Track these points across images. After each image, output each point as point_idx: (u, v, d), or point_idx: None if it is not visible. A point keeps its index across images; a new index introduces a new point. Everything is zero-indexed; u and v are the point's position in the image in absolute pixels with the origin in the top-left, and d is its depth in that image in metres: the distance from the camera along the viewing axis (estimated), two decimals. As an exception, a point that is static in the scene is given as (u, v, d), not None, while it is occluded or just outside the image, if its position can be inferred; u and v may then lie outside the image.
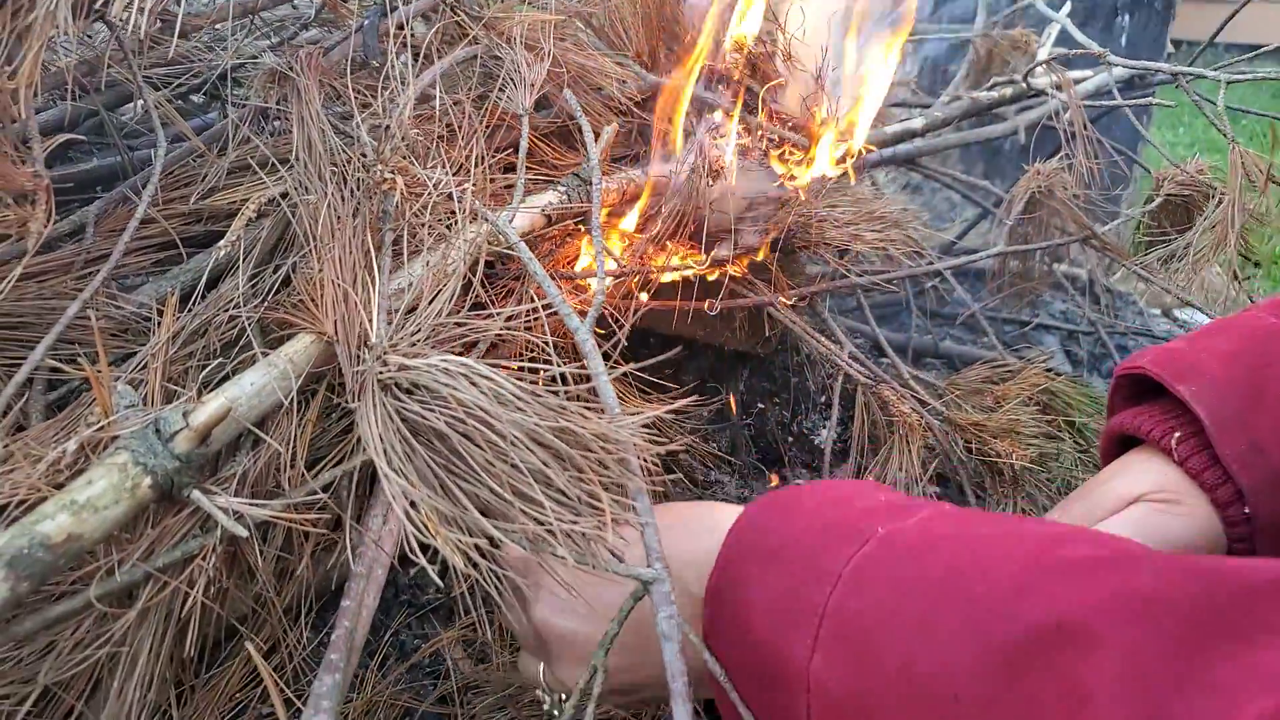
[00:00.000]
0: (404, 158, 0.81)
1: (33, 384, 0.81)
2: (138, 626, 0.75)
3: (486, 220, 0.86)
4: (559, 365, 0.71)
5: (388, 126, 0.83)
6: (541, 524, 0.67)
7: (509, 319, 0.75)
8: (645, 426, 0.73)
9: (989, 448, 1.15)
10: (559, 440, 0.68)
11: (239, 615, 0.88)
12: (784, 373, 1.61)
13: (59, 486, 0.71)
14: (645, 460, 0.73)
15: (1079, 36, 1.85)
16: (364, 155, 0.84)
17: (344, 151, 0.90)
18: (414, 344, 0.72)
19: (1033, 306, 2.32)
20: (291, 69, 0.95)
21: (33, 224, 0.72)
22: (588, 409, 0.72)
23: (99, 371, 0.70)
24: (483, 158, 0.96)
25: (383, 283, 0.78)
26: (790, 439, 1.54)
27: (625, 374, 1.22)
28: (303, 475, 0.79)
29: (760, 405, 1.57)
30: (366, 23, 1.02)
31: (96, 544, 0.66)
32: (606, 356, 1.08)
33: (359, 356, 0.75)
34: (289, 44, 1.16)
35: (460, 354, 0.74)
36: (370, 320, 0.73)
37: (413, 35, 1.19)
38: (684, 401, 0.81)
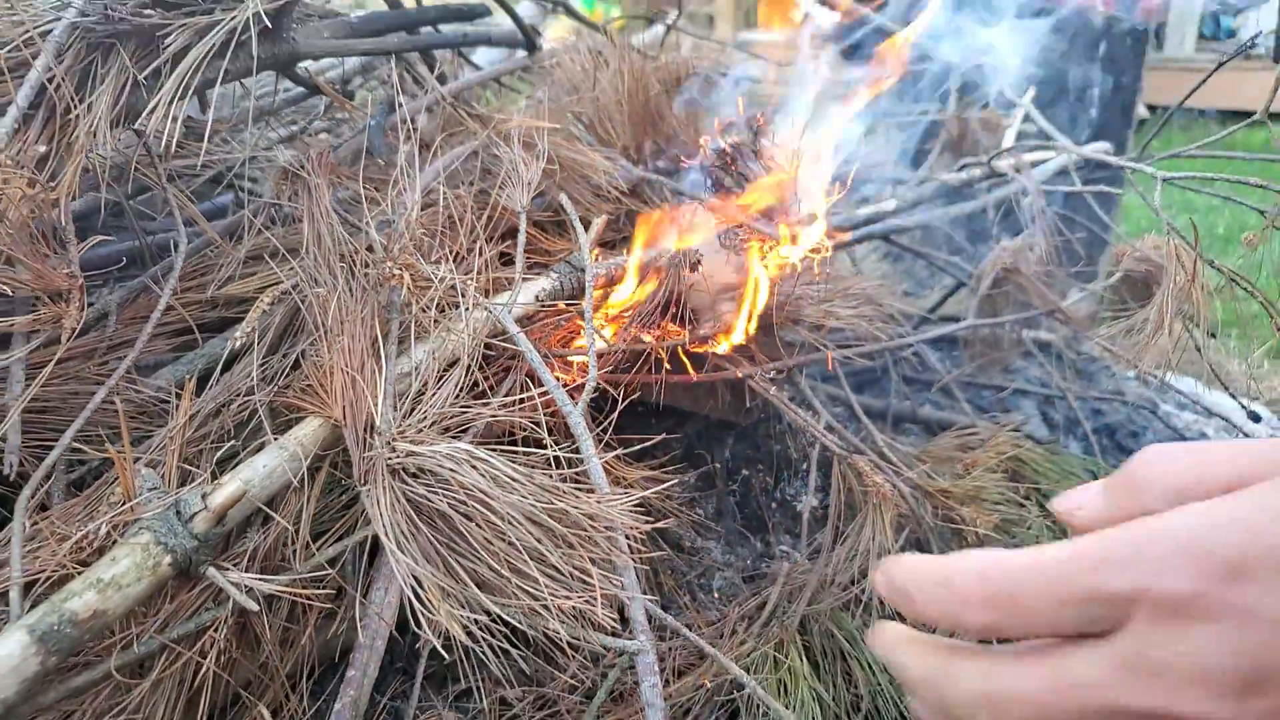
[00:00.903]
0: (411, 255, 0.88)
1: (55, 464, 0.86)
2: (151, 694, 0.79)
3: (489, 311, 0.93)
4: (554, 449, 0.77)
5: (395, 225, 0.90)
6: (536, 599, 0.72)
7: (505, 405, 0.81)
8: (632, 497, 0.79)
9: (955, 514, 1.20)
10: (552, 520, 0.74)
11: (243, 682, 0.92)
12: (767, 440, 1.67)
13: (82, 563, 0.76)
14: (633, 536, 0.78)
15: (1041, 122, 1.96)
16: (371, 250, 0.90)
17: (351, 243, 0.97)
18: (420, 430, 0.78)
19: (1009, 372, 2.40)
20: (303, 167, 1.02)
21: (67, 320, 0.78)
22: (579, 487, 0.78)
23: (123, 455, 0.75)
24: (483, 248, 1.03)
25: (389, 371, 0.84)
26: (774, 505, 1.59)
27: (615, 441, 1.28)
28: (309, 548, 0.84)
29: (745, 472, 1.63)
30: (374, 122, 1.09)
31: (119, 619, 0.71)
32: (600, 436, 1.14)
33: (366, 440, 0.80)
34: (301, 137, 1.24)
35: (461, 436, 0.80)
36: (377, 407, 0.78)
37: (414, 127, 1.27)
38: (671, 482, 0.87)
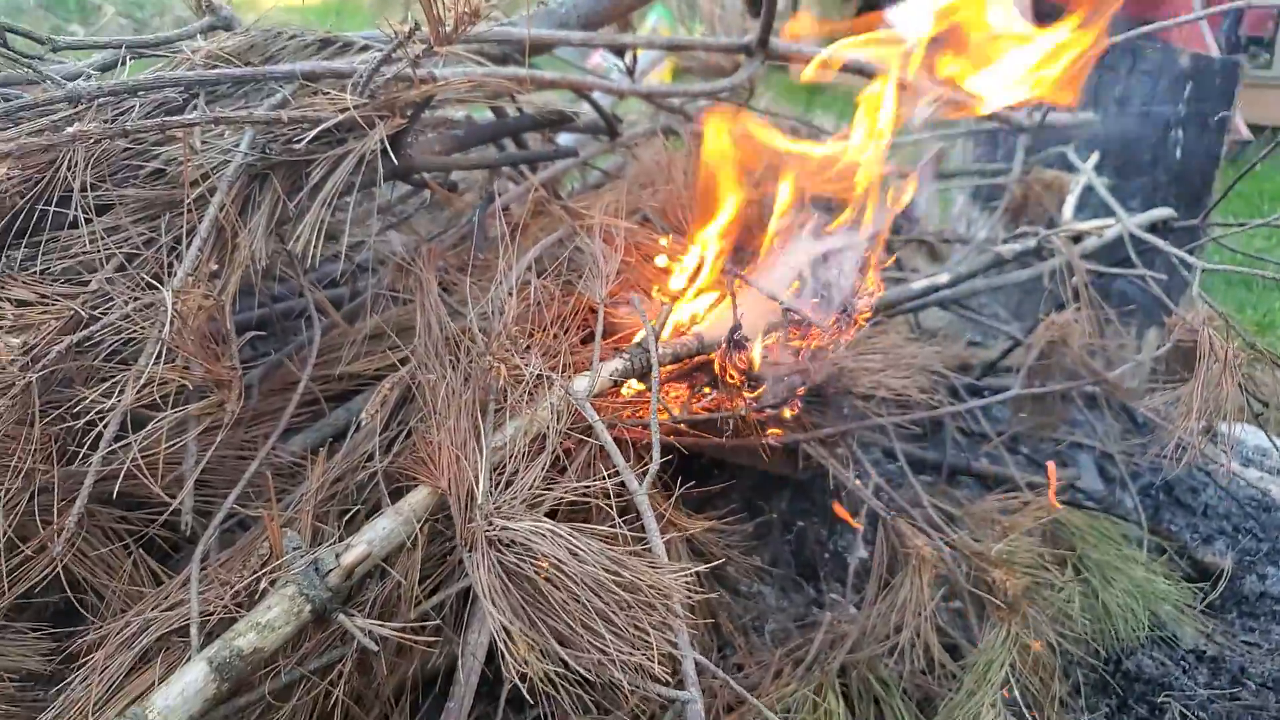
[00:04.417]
0: (506, 350, 1.04)
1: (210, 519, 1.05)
2: (292, 716, 0.97)
3: (573, 400, 1.09)
4: (621, 527, 0.92)
5: (491, 322, 1.07)
6: (604, 653, 0.88)
7: (583, 482, 0.96)
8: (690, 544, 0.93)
9: (988, 576, 1.31)
10: (619, 588, 0.89)
11: (355, 698, 1.09)
12: (822, 494, 1.79)
13: (239, 605, 0.94)
14: (687, 600, 0.93)
15: (1101, 191, 2.04)
16: (474, 344, 1.07)
17: (456, 332, 1.14)
18: (512, 506, 0.94)
19: (1071, 423, 2.46)
20: (414, 261, 1.20)
21: (229, 404, 0.97)
22: (642, 557, 0.93)
23: (272, 519, 0.93)
24: (568, 332, 1.20)
25: (488, 451, 1.01)
26: (826, 555, 1.71)
27: (676, 494, 1.43)
28: (417, 598, 1.01)
29: (800, 523, 1.75)
30: (476, 217, 1.26)
31: (272, 654, 0.88)
32: (667, 486, 1.29)
33: (467, 510, 0.97)
34: (409, 223, 1.41)
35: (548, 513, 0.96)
36: (478, 483, 0.95)
37: (509, 216, 1.44)
38: (730, 531, 1.01)
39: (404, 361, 1.18)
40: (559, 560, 0.88)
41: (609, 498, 1.01)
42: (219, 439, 0.97)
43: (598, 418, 1.07)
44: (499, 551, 0.90)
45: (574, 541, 0.89)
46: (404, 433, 1.15)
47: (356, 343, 1.21)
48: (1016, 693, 1.28)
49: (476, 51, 1.23)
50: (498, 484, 1.01)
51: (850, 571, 1.58)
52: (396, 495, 1.07)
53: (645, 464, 1.04)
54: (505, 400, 1.05)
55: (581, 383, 1.17)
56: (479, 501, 0.94)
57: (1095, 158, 2.18)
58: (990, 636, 1.30)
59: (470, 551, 0.92)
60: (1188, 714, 1.59)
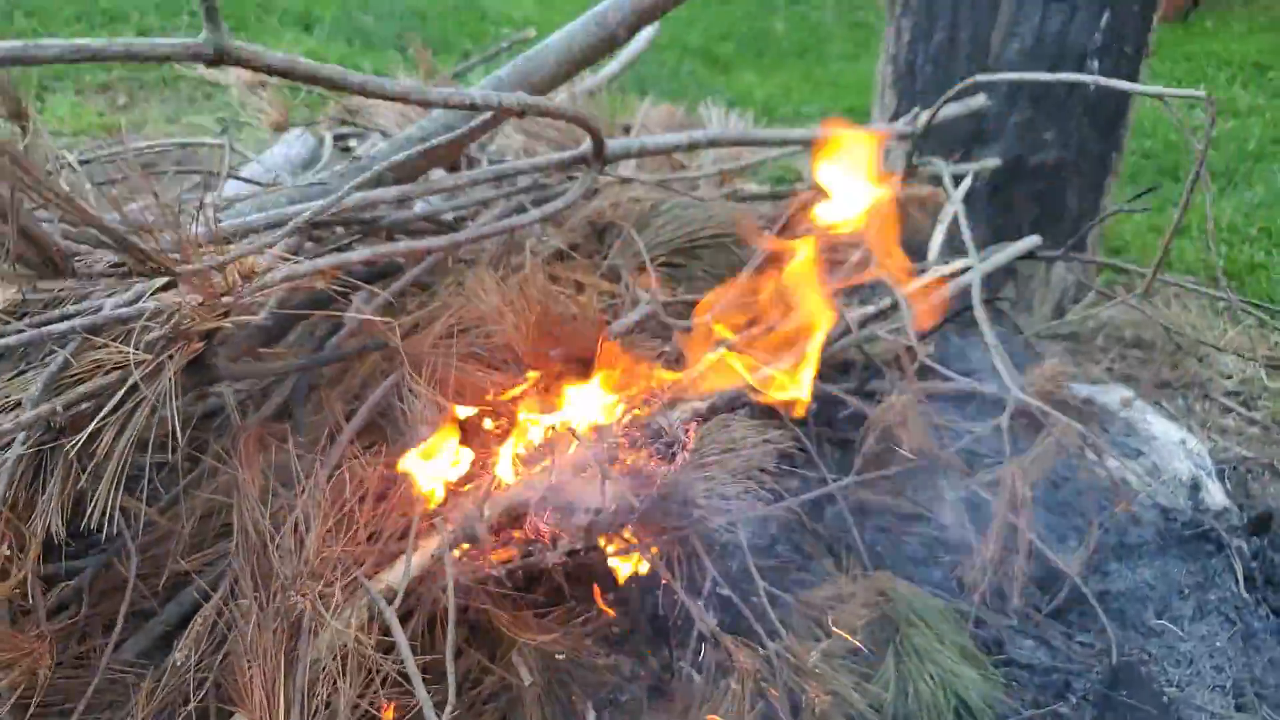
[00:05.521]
0: (309, 585, 1.10)
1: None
2: None
3: (382, 610, 1.16)
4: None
5: (294, 556, 1.12)
6: None
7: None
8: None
9: (800, 687, 1.44)
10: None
11: None
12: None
13: None
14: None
15: (965, 229, 2.06)
16: (280, 574, 1.13)
17: (272, 535, 1.19)
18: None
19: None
20: (229, 458, 1.23)
21: (41, 671, 1.03)
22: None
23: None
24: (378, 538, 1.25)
25: (295, 690, 1.08)
26: (679, 622, 1.83)
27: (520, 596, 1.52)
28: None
29: (657, 589, 1.85)
30: (298, 383, 1.28)
31: None
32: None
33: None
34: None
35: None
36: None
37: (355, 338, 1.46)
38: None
39: (226, 556, 1.23)
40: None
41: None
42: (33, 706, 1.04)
43: (404, 638, 1.15)
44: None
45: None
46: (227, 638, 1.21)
47: (182, 535, 1.26)
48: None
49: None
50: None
51: (694, 639, 1.69)
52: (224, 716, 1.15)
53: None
54: (313, 627, 1.12)
55: (399, 572, 1.23)
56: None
57: (967, 183, 2.20)
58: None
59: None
60: (1006, 735, 1.75)
